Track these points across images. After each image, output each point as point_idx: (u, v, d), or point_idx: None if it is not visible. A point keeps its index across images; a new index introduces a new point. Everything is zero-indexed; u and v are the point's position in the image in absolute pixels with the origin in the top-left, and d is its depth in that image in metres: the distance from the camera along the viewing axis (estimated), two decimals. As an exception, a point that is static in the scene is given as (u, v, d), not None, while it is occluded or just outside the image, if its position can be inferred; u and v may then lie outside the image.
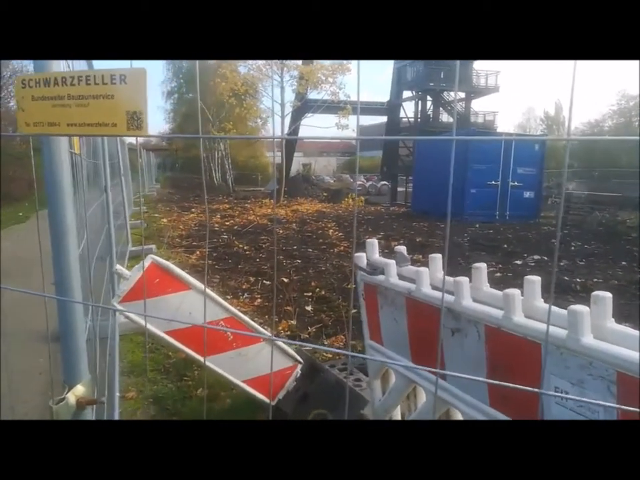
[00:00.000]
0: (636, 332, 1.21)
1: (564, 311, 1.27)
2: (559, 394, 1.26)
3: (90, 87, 0.72)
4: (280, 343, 2.85)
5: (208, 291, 2.42)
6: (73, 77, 0.71)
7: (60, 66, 0.97)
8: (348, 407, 2.31)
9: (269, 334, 2.76)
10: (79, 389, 1.01)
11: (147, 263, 2.21)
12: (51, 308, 1.06)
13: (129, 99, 0.70)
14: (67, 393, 1.00)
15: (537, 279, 1.39)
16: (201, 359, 2.31)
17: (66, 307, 1.01)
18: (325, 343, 3.86)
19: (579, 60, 0.63)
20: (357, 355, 0.78)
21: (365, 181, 28.58)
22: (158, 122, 36.17)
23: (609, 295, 1.24)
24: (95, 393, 1.38)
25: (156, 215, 12.30)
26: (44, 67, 0.89)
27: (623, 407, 1.02)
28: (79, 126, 0.73)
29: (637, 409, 0.63)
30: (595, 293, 1.25)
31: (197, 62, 0.70)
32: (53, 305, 1.05)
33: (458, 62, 0.69)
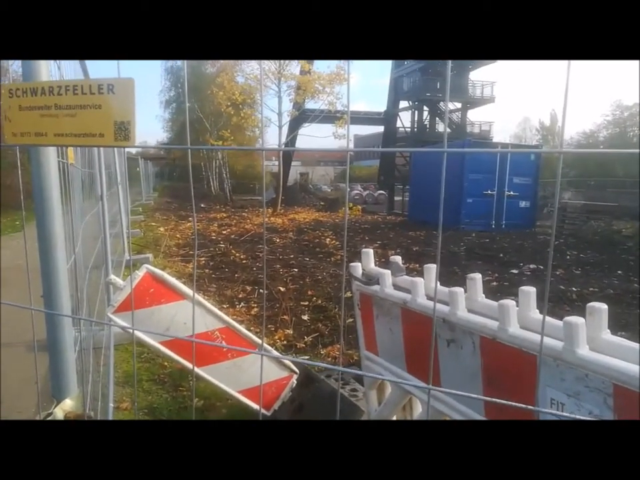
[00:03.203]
0: (632, 344, 1.20)
1: (560, 323, 1.26)
2: (555, 412, 1.25)
3: (77, 96, 0.71)
4: (276, 353, 2.83)
5: (203, 300, 2.40)
6: (61, 87, 0.70)
7: (49, 71, 0.96)
8: (343, 417, 2.28)
9: (260, 345, 2.74)
10: (67, 403, 0.99)
11: (142, 272, 2.20)
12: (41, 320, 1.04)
13: (117, 109, 0.69)
14: (55, 407, 0.98)
15: (531, 289, 1.39)
16: (195, 369, 2.29)
17: (53, 320, 0.99)
18: (322, 352, 3.83)
19: (580, 60, 0.63)
20: (347, 369, 0.76)
21: (363, 190, 28.62)
22: (156, 131, 36.22)
23: (604, 306, 1.23)
24: (88, 406, 1.36)
25: (153, 224, 12.27)
26: (32, 72, 0.87)
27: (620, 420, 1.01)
28: (66, 136, 0.72)
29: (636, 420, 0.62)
30: (591, 304, 1.24)
31: (185, 63, 0.69)
32: (42, 316, 1.04)
33: (447, 62, 0.68)
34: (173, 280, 2.28)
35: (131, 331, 2.07)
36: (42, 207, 0.94)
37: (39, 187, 0.93)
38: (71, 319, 1.07)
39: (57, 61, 1.28)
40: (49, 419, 0.94)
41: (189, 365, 2.27)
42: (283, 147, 17.95)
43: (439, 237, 0.61)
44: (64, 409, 0.97)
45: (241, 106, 17.58)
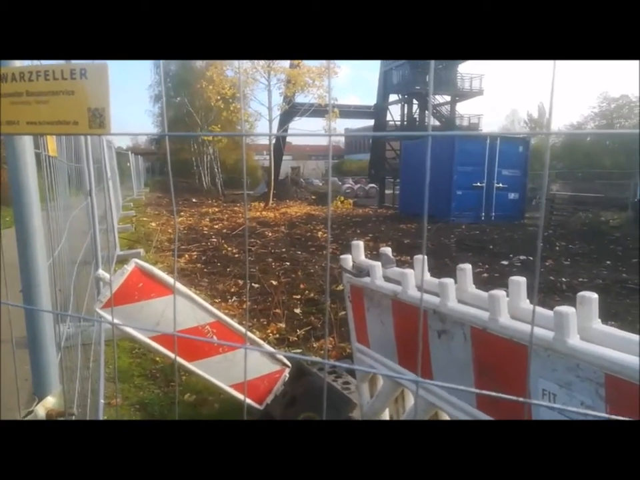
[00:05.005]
0: (623, 333, 1.20)
1: (550, 312, 1.25)
2: (547, 403, 1.25)
3: (49, 82, 0.67)
4: (268, 347, 2.82)
5: (194, 295, 2.38)
6: (32, 72, 0.67)
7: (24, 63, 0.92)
8: (336, 410, 2.28)
9: (250, 339, 2.73)
10: (49, 401, 0.97)
11: (131, 267, 2.17)
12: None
13: (91, 96, 0.66)
14: (36, 404, 0.96)
15: (522, 280, 1.38)
16: (186, 363, 2.27)
17: (33, 316, 0.96)
18: (314, 345, 3.83)
19: (568, 60, 0.62)
20: (334, 362, 0.75)
21: (354, 184, 28.62)
22: (146, 126, 35.93)
23: (594, 295, 1.23)
24: (75, 403, 1.34)
25: (145, 219, 12.16)
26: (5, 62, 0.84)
27: (613, 416, 1.00)
28: (39, 124, 0.69)
29: (626, 418, 0.61)
30: (581, 293, 1.24)
31: (162, 62, 0.67)
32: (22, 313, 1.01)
33: (432, 62, 0.67)
34: (162, 274, 2.26)
35: (119, 326, 2.04)
36: (20, 200, 0.91)
37: (15, 180, 0.90)
38: (51, 314, 1.05)
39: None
40: (30, 416, 0.91)
41: (180, 360, 2.25)
42: (273, 140, 17.82)
43: (424, 224, 0.60)
44: (46, 406, 0.94)
45: (230, 100, 17.44)
